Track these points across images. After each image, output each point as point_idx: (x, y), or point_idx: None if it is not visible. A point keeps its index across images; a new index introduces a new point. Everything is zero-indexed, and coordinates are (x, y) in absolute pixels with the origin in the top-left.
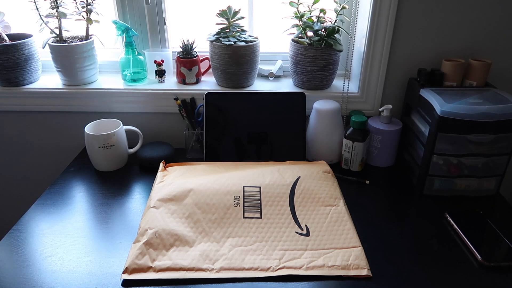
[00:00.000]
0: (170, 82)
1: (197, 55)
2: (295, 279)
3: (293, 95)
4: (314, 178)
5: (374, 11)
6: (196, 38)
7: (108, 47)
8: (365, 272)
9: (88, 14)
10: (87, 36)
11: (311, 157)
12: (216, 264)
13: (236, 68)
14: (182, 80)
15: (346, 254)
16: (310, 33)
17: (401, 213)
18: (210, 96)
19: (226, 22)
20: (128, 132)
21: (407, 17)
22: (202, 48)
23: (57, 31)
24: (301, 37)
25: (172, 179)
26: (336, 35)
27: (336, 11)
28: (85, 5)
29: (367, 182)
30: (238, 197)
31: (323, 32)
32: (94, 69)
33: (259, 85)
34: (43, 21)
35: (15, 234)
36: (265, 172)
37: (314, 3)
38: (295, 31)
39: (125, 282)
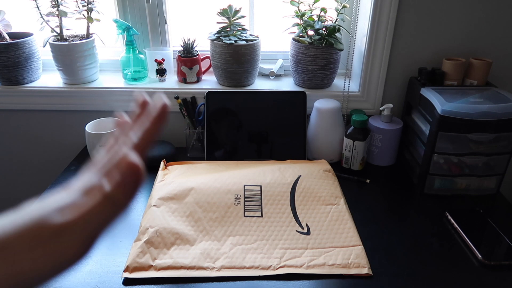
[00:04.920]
0: (171, 81)
1: (198, 54)
2: (296, 278)
3: (294, 94)
4: (314, 177)
5: (375, 10)
6: (197, 37)
7: (108, 45)
8: (365, 270)
9: (89, 12)
10: (88, 35)
11: (312, 156)
12: (217, 262)
13: (237, 67)
14: (183, 79)
15: (347, 253)
16: (311, 32)
17: (402, 212)
18: (211, 95)
19: (227, 21)
20: None
21: (408, 16)
22: (203, 47)
23: (58, 30)
24: (302, 36)
25: (173, 178)
26: (337, 34)
27: (337, 10)
28: (85, 4)
29: (368, 181)
30: (239, 195)
31: (324, 31)
32: (94, 67)
33: (260, 84)
34: (43, 19)
35: None
36: (265, 171)
37: (315, 2)
38: (296, 30)
39: (126, 281)
